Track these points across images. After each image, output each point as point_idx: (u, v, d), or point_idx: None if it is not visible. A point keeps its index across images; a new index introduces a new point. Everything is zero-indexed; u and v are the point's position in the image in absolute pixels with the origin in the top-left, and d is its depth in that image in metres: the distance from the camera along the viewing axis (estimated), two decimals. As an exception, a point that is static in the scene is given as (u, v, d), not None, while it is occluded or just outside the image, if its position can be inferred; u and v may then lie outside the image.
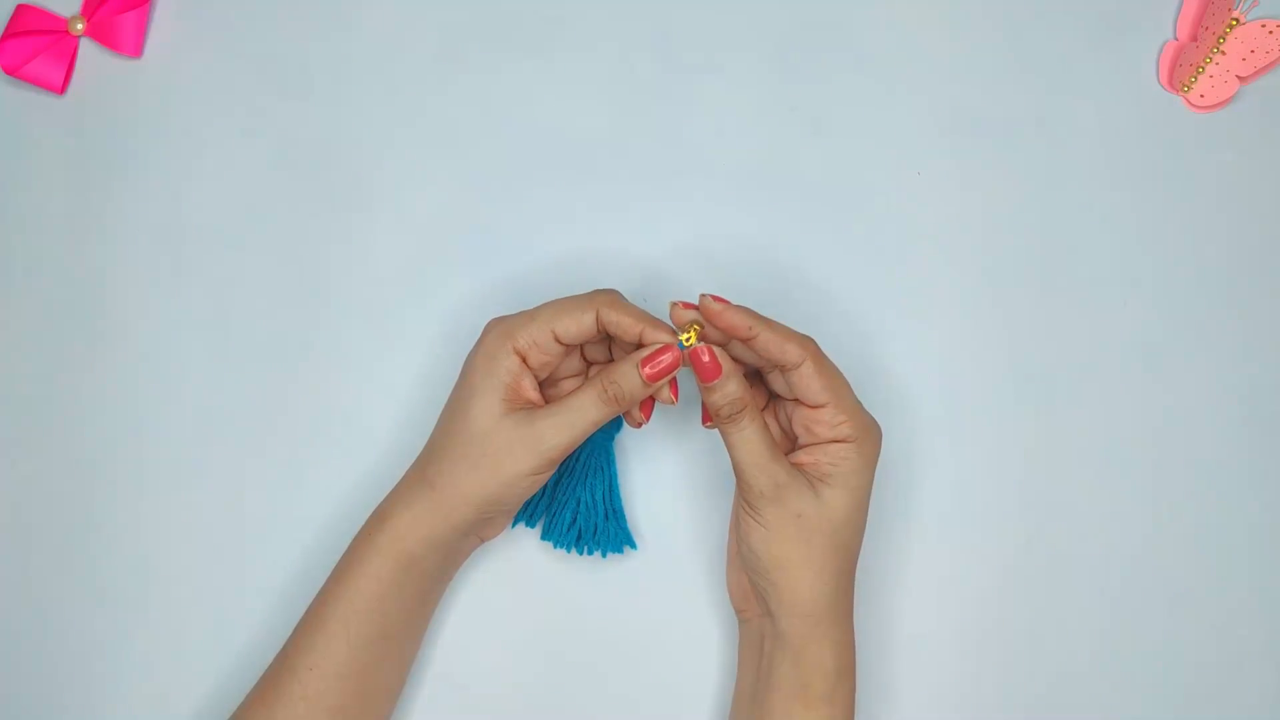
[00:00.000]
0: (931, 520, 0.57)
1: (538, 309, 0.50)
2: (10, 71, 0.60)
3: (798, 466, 0.49)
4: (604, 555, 0.55)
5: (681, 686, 0.56)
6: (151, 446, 0.57)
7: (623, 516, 0.55)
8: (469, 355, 0.51)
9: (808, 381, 0.48)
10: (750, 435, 0.48)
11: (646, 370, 0.49)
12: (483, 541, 0.54)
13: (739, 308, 0.48)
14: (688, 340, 0.48)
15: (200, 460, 0.57)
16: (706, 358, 0.48)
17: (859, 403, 0.49)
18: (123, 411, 0.58)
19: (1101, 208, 0.59)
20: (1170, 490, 0.57)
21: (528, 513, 0.55)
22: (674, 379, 0.50)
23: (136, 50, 0.60)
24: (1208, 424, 0.58)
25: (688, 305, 0.49)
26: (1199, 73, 0.60)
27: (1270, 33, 0.60)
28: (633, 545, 0.55)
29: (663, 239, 0.59)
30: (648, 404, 0.52)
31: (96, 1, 0.61)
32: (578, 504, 0.54)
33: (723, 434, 0.49)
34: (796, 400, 0.50)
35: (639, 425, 0.52)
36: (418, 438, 0.53)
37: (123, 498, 0.57)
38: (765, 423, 0.49)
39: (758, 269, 0.59)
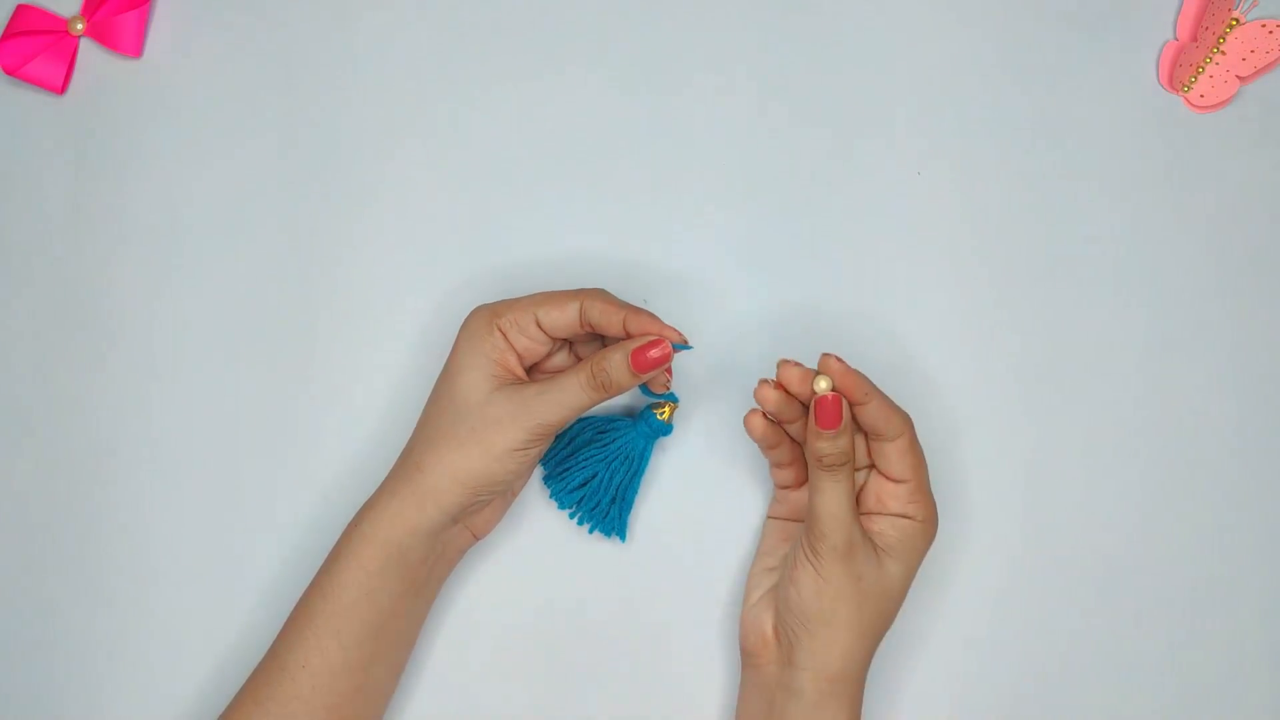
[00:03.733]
0: (931, 520, 0.57)
1: (524, 296, 0.51)
2: (10, 71, 0.60)
3: (871, 518, 0.50)
4: (590, 531, 0.55)
5: (684, 687, 0.56)
6: (150, 446, 0.57)
7: (628, 509, 0.55)
8: (455, 340, 0.51)
9: (900, 456, 0.49)
10: (844, 489, 0.48)
11: (635, 360, 0.49)
12: (476, 539, 0.54)
13: (857, 373, 0.49)
14: (823, 387, 0.48)
15: (199, 458, 0.57)
16: (832, 405, 0.48)
17: (931, 491, 0.50)
18: (122, 411, 0.58)
19: (1101, 208, 0.59)
20: (1172, 489, 0.57)
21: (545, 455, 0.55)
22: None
23: (136, 50, 0.60)
24: (1209, 423, 0.58)
25: (795, 364, 0.49)
26: (1199, 73, 0.60)
27: (1270, 33, 0.60)
28: (621, 537, 0.55)
29: (661, 240, 0.59)
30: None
31: (96, 1, 0.60)
32: (593, 477, 0.54)
33: (814, 480, 0.49)
34: (875, 469, 0.50)
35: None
36: (417, 437, 0.53)
37: (121, 496, 0.57)
38: (855, 480, 0.49)
39: (756, 269, 0.59)
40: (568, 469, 0.54)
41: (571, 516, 0.55)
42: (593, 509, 0.54)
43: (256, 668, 0.50)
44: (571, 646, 0.56)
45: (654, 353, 0.49)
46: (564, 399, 0.49)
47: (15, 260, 0.59)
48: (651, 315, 0.50)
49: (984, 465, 0.57)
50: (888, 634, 0.55)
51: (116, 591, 0.56)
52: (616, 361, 0.49)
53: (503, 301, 0.51)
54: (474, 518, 0.53)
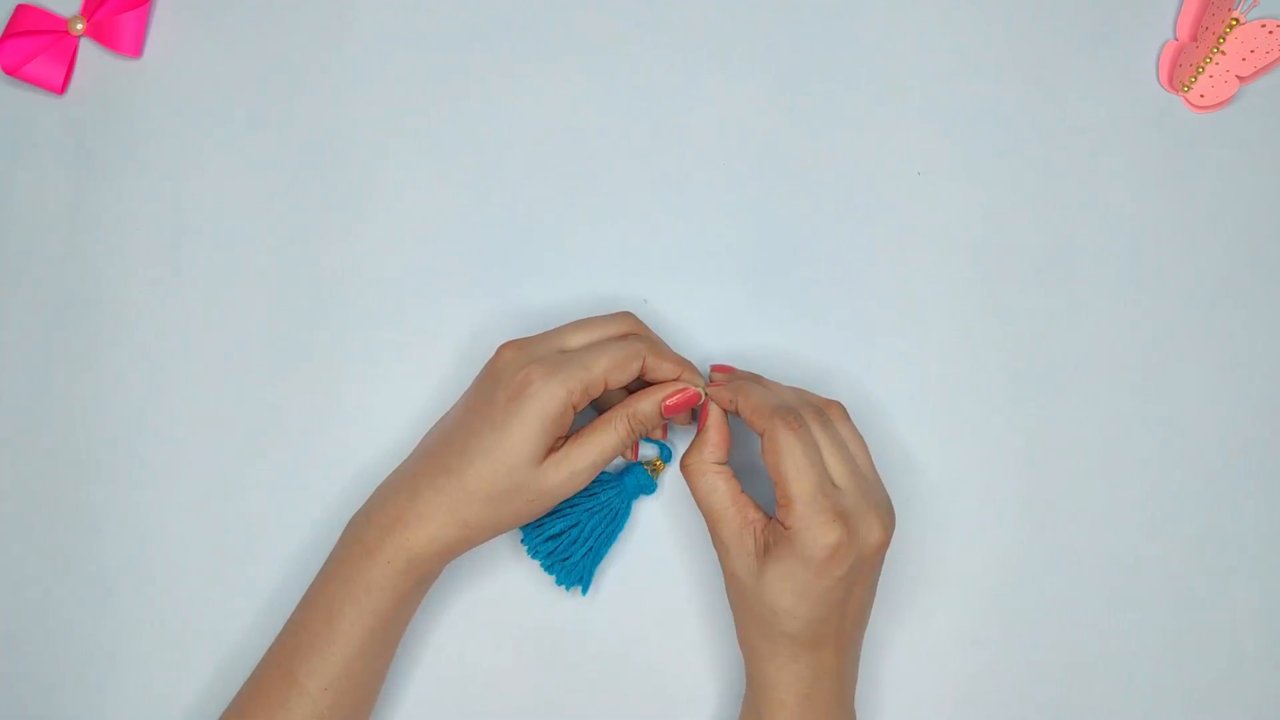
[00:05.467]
0: (931, 520, 0.57)
1: (589, 359, 0.50)
2: (10, 71, 0.60)
3: (772, 522, 0.48)
4: (557, 582, 0.54)
5: (678, 698, 0.56)
6: (151, 446, 0.57)
7: (596, 563, 0.55)
8: (522, 412, 0.49)
9: (764, 454, 0.49)
10: (715, 484, 0.50)
11: (668, 403, 0.51)
12: None
13: (724, 386, 0.51)
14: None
15: (199, 460, 0.57)
16: (700, 414, 0.52)
17: (821, 509, 0.46)
18: (122, 411, 0.58)
19: (1101, 208, 0.59)
20: (1170, 490, 0.57)
21: None
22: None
23: (136, 50, 0.61)
24: (1208, 424, 0.58)
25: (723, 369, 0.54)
26: (1199, 73, 0.60)
27: (1270, 33, 0.60)
28: (583, 590, 0.55)
29: (663, 240, 0.59)
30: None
31: (96, 1, 0.61)
32: (573, 526, 0.54)
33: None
34: None
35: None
36: (415, 437, 0.53)
37: (122, 497, 0.57)
38: (733, 480, 0.50)
39: (757, 269, 0.59)
40: (547, 516, 0.54)
41: (543, 565, 0.54)
42: (564, 560, 0.54)
43: (261, 678, 0.50)
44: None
45: (684, 396, 0.51)
46: (605, 441, 0.50)
47: (15, 260, 0.59)
48: (702, 377, 0.53)
49: (984, 465, 0.57)
50: (885, 633, 0.55)
51: (117, 591, 0.56)
52: (649, 412, 0.51)
53: (574, 376, 0.49)
54: None
